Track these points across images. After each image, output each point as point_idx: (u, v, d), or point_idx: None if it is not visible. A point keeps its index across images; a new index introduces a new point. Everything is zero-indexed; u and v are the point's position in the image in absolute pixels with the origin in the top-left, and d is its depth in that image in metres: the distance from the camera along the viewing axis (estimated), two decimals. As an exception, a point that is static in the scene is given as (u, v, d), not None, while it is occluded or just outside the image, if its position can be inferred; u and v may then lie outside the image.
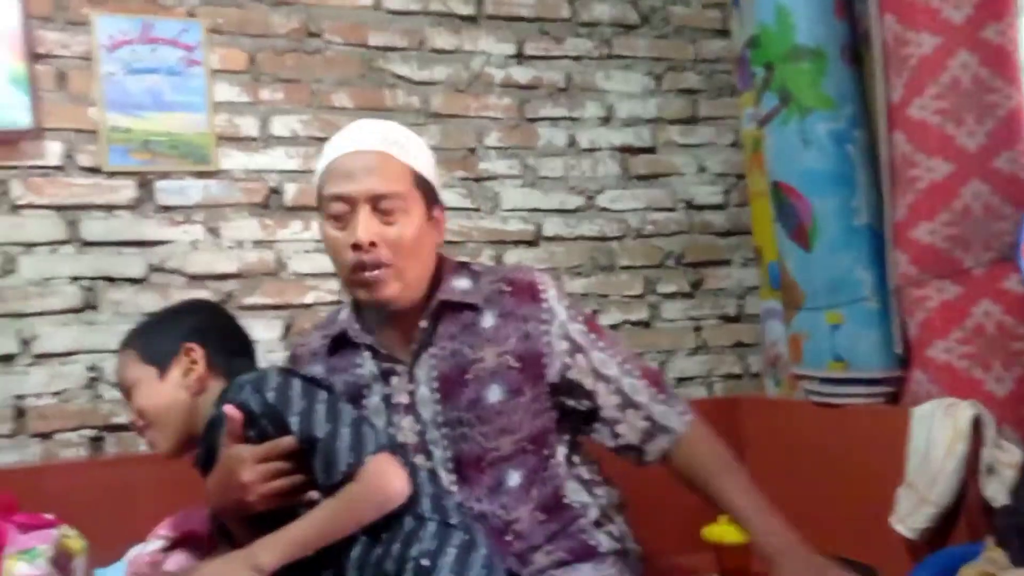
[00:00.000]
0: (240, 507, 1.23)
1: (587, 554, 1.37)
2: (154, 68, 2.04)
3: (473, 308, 1.40)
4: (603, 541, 1.40)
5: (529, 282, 1.44)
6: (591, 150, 2.41)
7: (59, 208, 1.97)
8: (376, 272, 1.33)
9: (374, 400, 1.40)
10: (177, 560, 1.54)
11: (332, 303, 2.15)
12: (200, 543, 1.57)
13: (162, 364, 1.34)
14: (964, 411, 1.60)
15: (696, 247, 2.49)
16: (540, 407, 1.40)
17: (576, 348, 1.42)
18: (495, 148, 2.32)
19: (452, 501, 1.28)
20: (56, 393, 1.94)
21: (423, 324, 1.39)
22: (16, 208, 1.94)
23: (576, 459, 1.45)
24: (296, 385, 1.26)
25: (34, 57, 1.95)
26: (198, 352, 1.34)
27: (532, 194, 2.35)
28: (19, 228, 1.94)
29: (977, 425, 1.59)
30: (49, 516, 1.53)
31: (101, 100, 2.00)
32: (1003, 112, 1.67)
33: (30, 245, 1.95)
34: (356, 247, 1.32)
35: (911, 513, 1.64)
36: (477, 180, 2.31)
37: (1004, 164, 1.67)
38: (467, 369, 1.37)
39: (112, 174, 2.01)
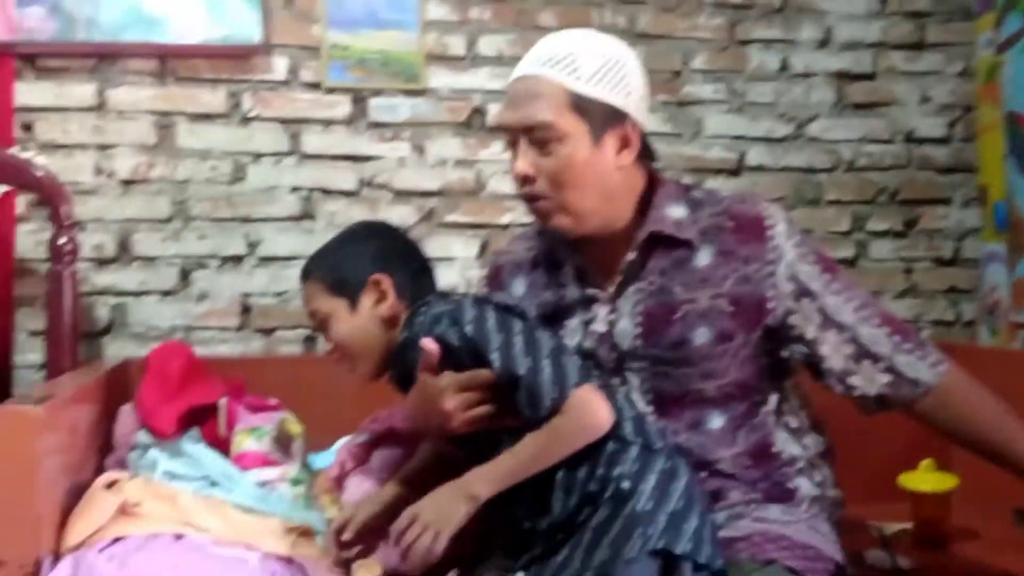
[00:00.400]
0: (442, 431, 1.25)
1: (783, 497, 1.31)
2: (372, -13, 2.12)
3: (688, 244, 1.30)
4: (803, 486, 1.33)
5: (755, 216, 1.31)
6: (805, 75, 2.30)
7: (283, 121, 2.11)
8: (539, 204, 1.29)
9: (573, 322, 1.36)
10: (381, 454, 1.64)
11: (527, 224, 2.18)
12: (402, 439, 1.67)
13: (352, 296, 1.30)
14: None
15: (913, 183, 2.33)
16: (750, 353, 1.30)
17: (803, 292, 1.30)
18: (701, 71, 2.25)
19: (655, 426, 1.26)
20: (277, 294, 2.11)
21: (630, 256, 1.31)
22: (246, 120, 2.10)
23: (787, 407, 1.37)
24: (491, 316, 1.22)
25: (265, -23, 2.07)
26: (386, 282, 1.29)
27: (737, 120, 2.27)
28: (248, 139, 2.10)
29: None
30: (273, 401, 1.67)
31: (323, 17, 2.10)
32: None
33: (257, 155, 2.10)
34: (517, 179, 1.29)
35: None
36: (680, 104, 2.25)
37: None
38: (675, 309, 1.29)
39: (330, 90, 2.12)
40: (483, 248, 2.18)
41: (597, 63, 1.27)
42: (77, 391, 1.53)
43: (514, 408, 1.19)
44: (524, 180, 1.27)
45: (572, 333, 1.35)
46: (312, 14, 2.11)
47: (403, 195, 2.16)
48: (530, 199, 1.29)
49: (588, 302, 1.35)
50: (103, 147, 2.05)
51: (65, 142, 2.04)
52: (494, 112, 2.18)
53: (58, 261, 1.84)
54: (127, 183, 2.06)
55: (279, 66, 2.10)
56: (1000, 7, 1.85)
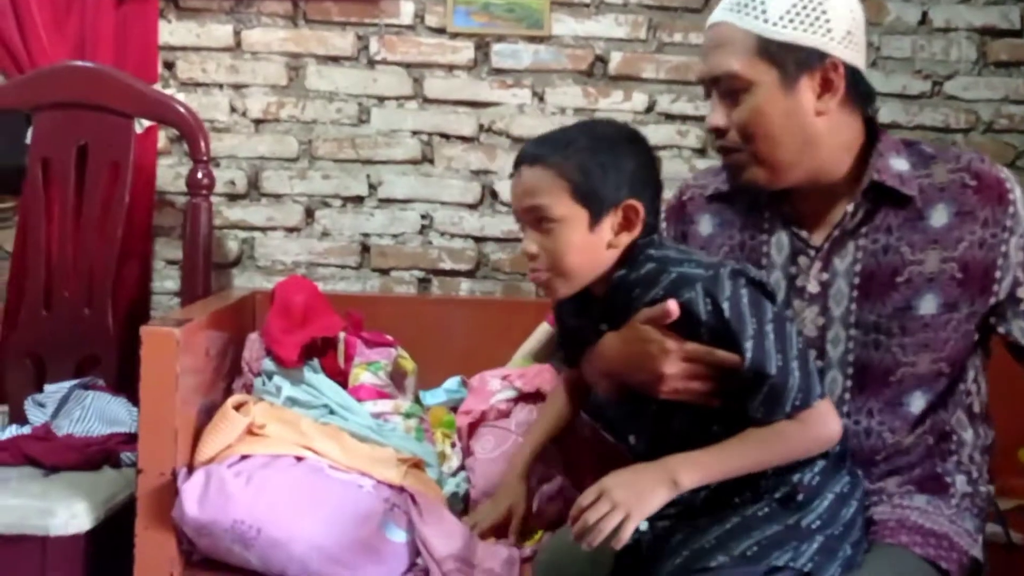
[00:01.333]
0: (643, 390, 1.14)
1: (936, 489, 1.24)
2: (499, -69, 2.12)
3: (912, 201, 1.20)
4: (958, 481, 1.25)
5: (997, 178, 1.21)
6: (945, 30, 2.17)
7: (407, 65, 2.15)
8: (732, 157, 1.21)
9: (774, 275, 1.25)
10: (523, 412, 1.65)
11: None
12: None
13: (597, 213, 1.12)
14: None
15: (1057, 147, 2.20)
16: (970, 327, 1.22)
17: None
18: (833, 24, 2.16)
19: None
20: (395, 235, 2.17)
21: (849, 208, 1.21)
22: (372, 63, 2.14)
23: (975, 388, 1.28)
24: (745, 295, 1.09)
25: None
26: (639, 212, 1.13)
27: (871, 75, 2.09)
28: (374, 82, 2.15)
29: None
30: (388, 337, 1.73)
31: (450, -37, 2.12)
32: None
33: (381, 99, 2.15)
34: (711, 132, 1.23)
35: None
36: (809, 58, 2.17)
37: None
38: (900, 271, 1.20)
39: (454, 35, 2.14)
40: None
41: (788, 2, 1.16)
42: (210, 317, 1.63)
43: (729, 394, 1.10)
44: (716, 132, 1.21)
45: (774, 289, 1.21)
46: (441, -42, 2.13)
47: (521, 142, 2.15)
48: (724, 152, 1.23)
49: (795, 253, 1.25)
50: (237, 87, 2.14)
51: (203, 81, 2.13)
52: (617, 61, 2.16)
53: (195, 194, 1.95)
54: (258, 122, 2.15)
55: (406, 10, 2.13)
56: None
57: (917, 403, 1.22)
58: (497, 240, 2.18)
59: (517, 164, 1.17)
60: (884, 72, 2.17)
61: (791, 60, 1.16)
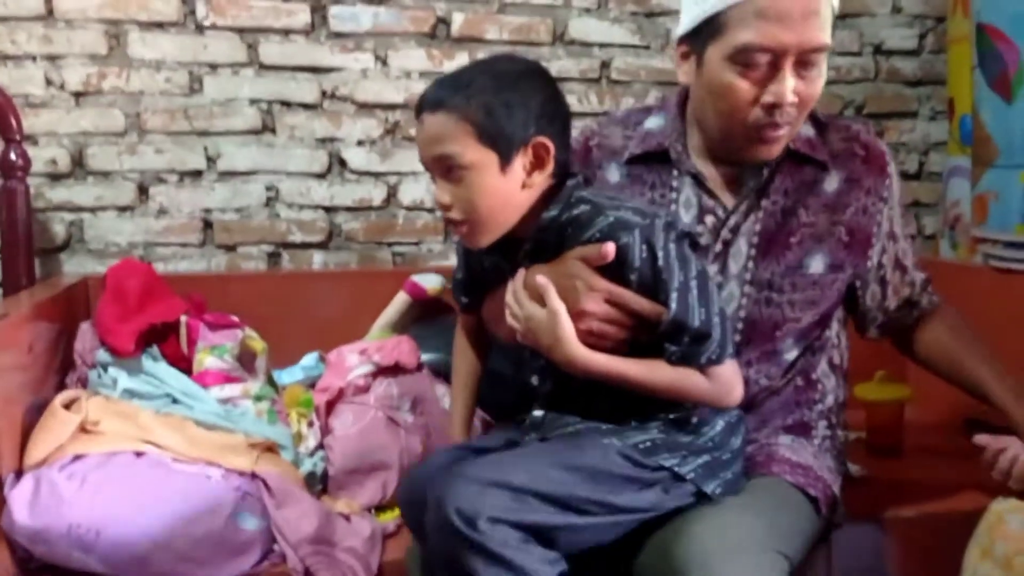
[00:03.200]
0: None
1: (800, 432, 1.30)
2: None
3: (819, 165, 1.26)
4: (820, 426, 1.32)
5: (879, 150, 1.28)
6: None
7: (240, 31, 2.04)
8: (782, 131, 1.18)
9: None
10: (382, 385, 1.61)
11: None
12: (408, 373, 1.65)
13: (507, 154, 1.08)
14: None
15: (880, 96, 2.32)
16: (843, 286, 1.29)
17: (892, 236, 1.32)
18: (670, -20, 2.20)
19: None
20: (238, 210, 2.08)
21: (765, 172, 1.24)
22: (201, 28, 2.02)
23: (837, 341, 1.35)
24: (674, 249, 1.08)
25: None
26: (549, 148, 1.09)
27: None
28: (204, 48, 2.03)
29: None
30: (234, 318, 1.66)
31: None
32: None
33: (214, 66, 2.04)
34: (774, 107, 1.14)
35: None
36: (648, 15, 2.20)
37: None
38: (795, 232, 1.25)
39: (288, -2, 2.05)
40: (448, 162, 2.15)
41: None
42: (34, 308, 1.52)
43: (639, 346, 1.09)
44: (787, 107, 1.15)
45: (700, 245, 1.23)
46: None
47: (366, 108, 2.11)
48: (775, 127, 1.17)
49: (702, 214, 1.27)
50: (52, 58, 1.97)
51: (13, 53, 1.96)
52: (460, 22, 2.12)
53: (9, 177, 1.80)
54: (79, 95, 1.99)
55: (234, -28, 2.02)
56: (975, -86, 1.81)
57: (791, 352, 1.28)
58: (349, 209, 2.12)
59: (418, 111, 1.11)
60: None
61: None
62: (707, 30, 1.16)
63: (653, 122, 1.33)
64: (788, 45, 1.11)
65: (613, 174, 1.33)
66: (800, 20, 1.10)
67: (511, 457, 1.07)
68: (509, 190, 1.09)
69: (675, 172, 1.29)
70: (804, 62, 1.13)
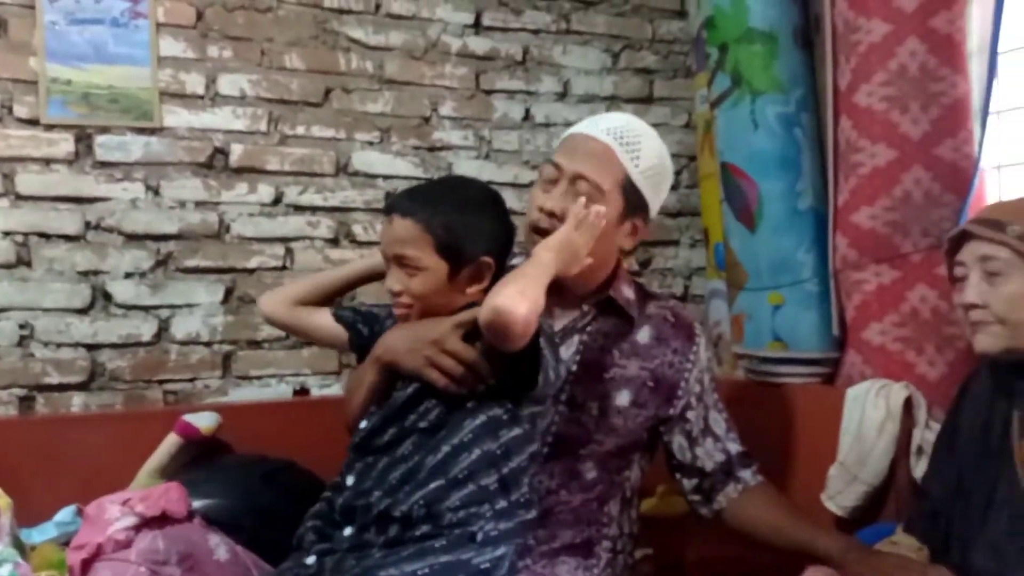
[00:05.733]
0: (409, 354, 1.26)
1: (582, 550, 1.43)
2: (98, 19, 1.98)
3: (631, 320, 1.49)
4: (603, 548, 1.47)
5: (689, 324, 1.54)
6: (546, 125, 2.40)
7: (-7, 159, 1.91)
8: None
9: None
10: (146, 539, 1.45)
11: (277, 268, 2.12)
12: (176, 523, 1.50)
13: (456, 266, 1.28)
14: (897, 392, 1.63)
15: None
16: (649, 425, 1.50)
17: (700, 398, 1.53)
18: (449, 118, 2.30)
19: (528, 476, 1.28)
20: (-15, 350, 1.89)
21: (585, 308, 1.49)
22: (-53, 157, 1.88)
23: (633, 480, 1.53)
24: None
25: (-30, 1, 1.88)
26: (491, 270, 1.30)
27: (486, 166, 2.33)
28: (-50, 178, 1.88)
29: (909, 406, 1.62)
30: (-29, 473, 1.48)
31: (42, 50, 1.93)
32: (948, 100, 1.69)
33: (-39, 196, 1.89)
34: (542, 211, 1.39)
35: (842, 491, 1.67)
36: (431, 150, 2.28)
37: (946, 152, 1.69)
38: (608, 369, 1.47)
39: (50, 127, 1.95)
40: (228, 293, 2.08)
41: (656, 162, 1.49)
42: None
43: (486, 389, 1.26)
44: (548, 215, 1.40)
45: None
46: (28, 46, 1.93)
47: (136, 239, 2.01)
48: (539, 232, 1.39)
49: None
50: None
51: None
52: (239, 153, 2.10)
53: None
54: None
55: (-12, 99, 1.91)
56: (711, 68, 2.03)
57: (591, 473, 1.46)
58: (114, 346, 1.99)
59: (389, 211, 1.30)
60: (497, 163, 2.35)
61: (633, 202, 1.45)
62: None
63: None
64: (564, 167, 1.42)
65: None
66: (581, 157, 1.41)
67: None
68: (450, 294, 1.29)
69: None
70: (578, 190, 1.39)
